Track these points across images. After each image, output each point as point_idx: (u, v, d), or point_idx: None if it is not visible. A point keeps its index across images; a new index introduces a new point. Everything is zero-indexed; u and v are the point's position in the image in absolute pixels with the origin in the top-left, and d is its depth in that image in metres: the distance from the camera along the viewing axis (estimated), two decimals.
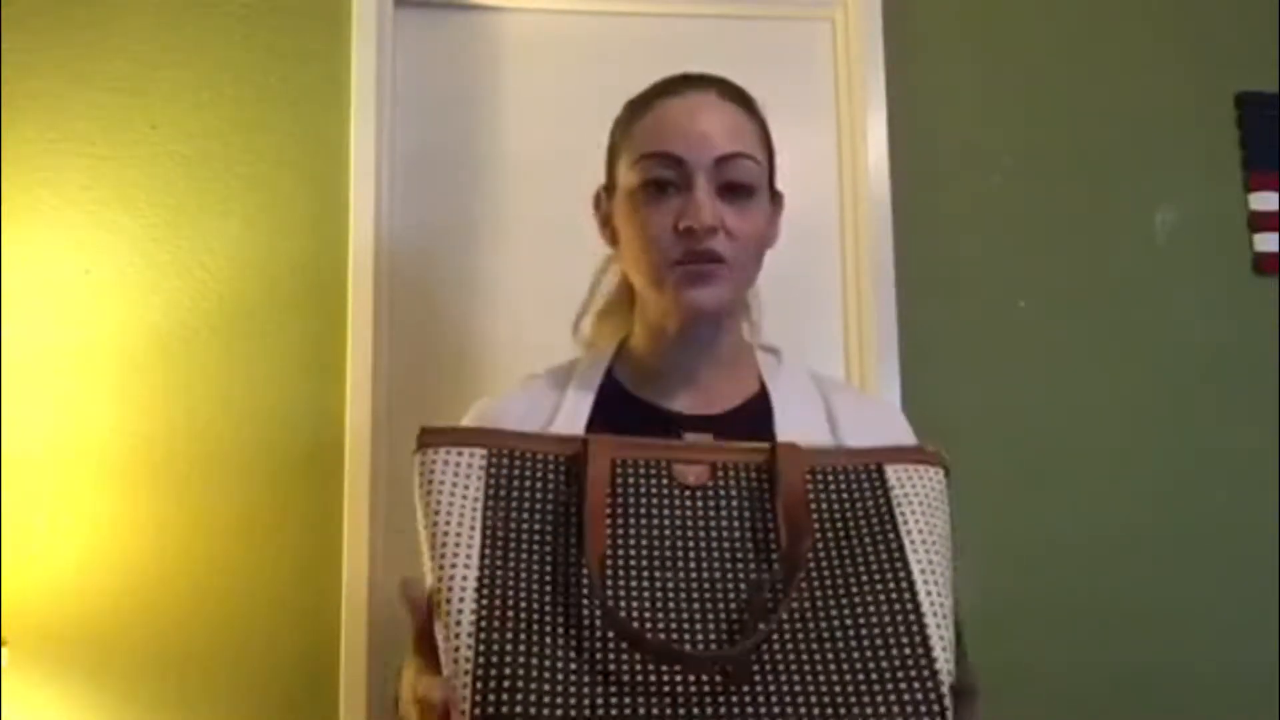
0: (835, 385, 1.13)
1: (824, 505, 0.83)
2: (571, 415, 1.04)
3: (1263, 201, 1.97)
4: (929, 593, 0.78)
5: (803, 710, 0.72)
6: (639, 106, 1.05)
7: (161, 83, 1.81)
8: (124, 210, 1.77)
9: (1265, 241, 1.96)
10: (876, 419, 1.10)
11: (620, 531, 0.80)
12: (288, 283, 1.78)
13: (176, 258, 1.77)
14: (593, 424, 1.03)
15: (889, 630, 0.76)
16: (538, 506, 0.82)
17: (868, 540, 0.81)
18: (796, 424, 1.01)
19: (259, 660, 1.69)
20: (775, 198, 1.10)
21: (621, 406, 1.05)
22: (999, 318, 1.92)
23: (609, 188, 1.08)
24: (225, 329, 1.76)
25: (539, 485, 0.83)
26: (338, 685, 1.68)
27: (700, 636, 0.76)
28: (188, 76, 1.81)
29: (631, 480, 0.83)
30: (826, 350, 1.89)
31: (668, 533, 0.81)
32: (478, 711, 0.72)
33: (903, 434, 1.06)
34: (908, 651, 0.75)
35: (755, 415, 1.04)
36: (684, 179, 0.99)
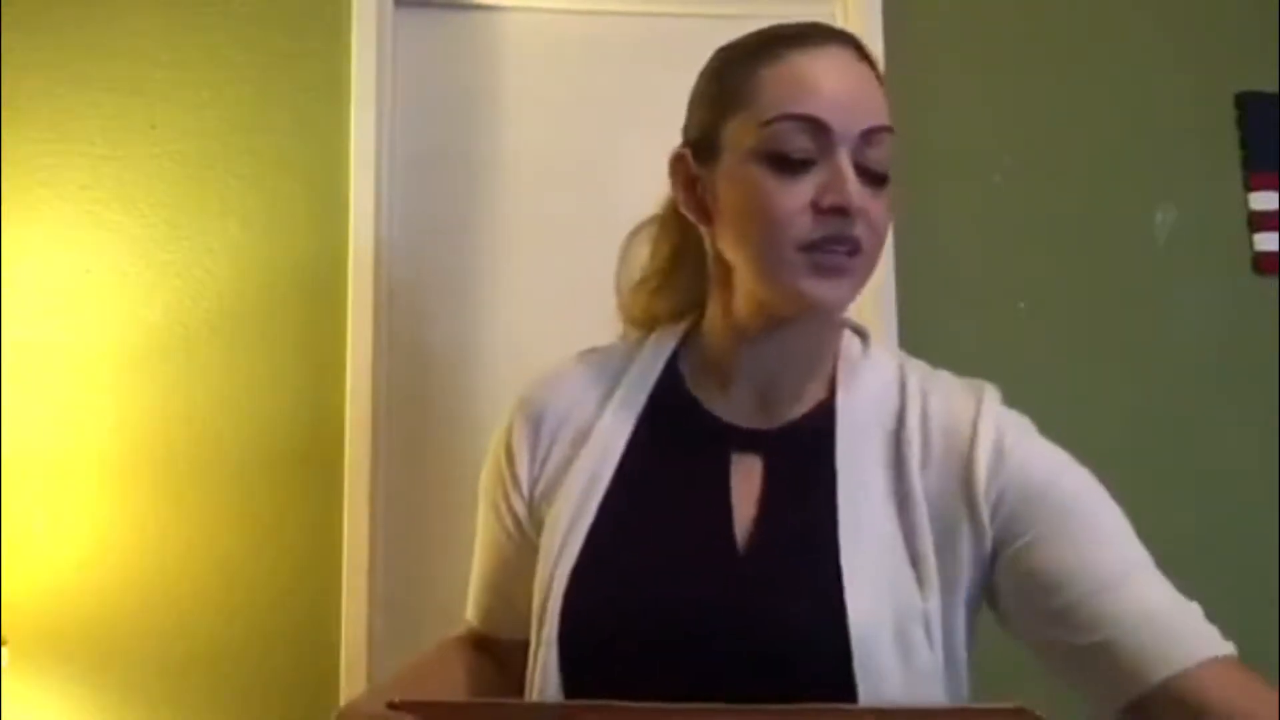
0: (919, 378, 0.95)
1: None
2: (621, 411, 0.94)
3: (1263, 201, 1.97)
4: None
5: None
6: (758, 54, 0.88)
7: (161, 83, 1.81)
8: (124, 210, 1.77)
9: (1265, 241, 1.96)
10: (954, 447, 0.88)
11: None
12: (288, 283, 1.78)
13: (176, 258, 1.77)
14: (644, 420, 0.93)
15: None
16: None
17: None
18: (857, 443, 0.88)
19: (259, 659, 1.69)
20: None
21: (674, 409, 0.94)
22: (999, 318, 1.92)
23: (701, 150, 0.89)
24: (225, 329, 1.76)
25: None
26: (337, 685, 1.68)
27: None
28: (188, 76, 1.81)
29: None
30: None
31: None
32: None
33: (990, 438, 0.88)
34: None
35: (815, 435, 0.90)
36: (824, 151, 0.82)
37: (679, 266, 0.99)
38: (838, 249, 0.83)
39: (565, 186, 1.88)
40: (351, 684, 1.68)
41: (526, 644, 0.91)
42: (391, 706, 0.74)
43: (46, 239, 1.75)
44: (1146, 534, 1.94)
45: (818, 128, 0.82)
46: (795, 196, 0.82)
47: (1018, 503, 0.85)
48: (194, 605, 1.69)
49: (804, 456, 0.88)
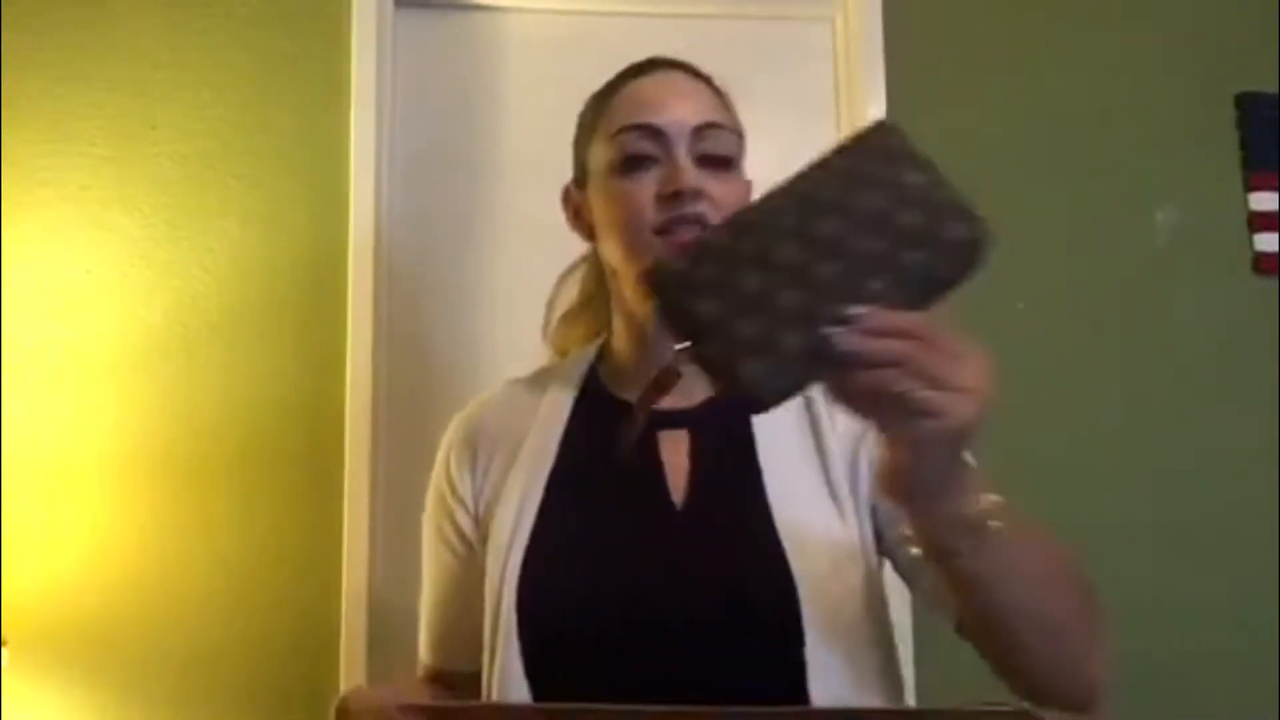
0: None
1: None
2: (551, 416, 1.03)
3: (1263, 201, 1.97)
4: None
5: None
6: (608, 91, 1.03)
7: (161, 83, 1.81)
8: (124, 210, 1.77)
9: (1265, 241, 1.96)
10: None
11: None
12: (288, 282, 1.78)
13: (176, 258, 1.77)
14: (573, 421, 1.02)
15: None
16: None
17: None
18: (770, 417, 0.98)
19: (258, 659, 1.69)
20: (746, 184, 1.06)
21: (601, 405, 1.03)
22: (999, 318, 1.92)
23: (579, 179, 1.06)
24: (225, 329, 1.76)
25: None
26: (337, 684, 1.68)
27: None
28: (188, 76, 1.81)
29: None
30: None
31: None
32: None
33: None
34: None
35: (730, 405, 1.01)
36: (664, 149, 0.96)
37: (596, 296, 1.12)
38: (686, 228, 0.94)
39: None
40: (351, 684, 1.67)
41: (479, 675, 0.97)
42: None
43: (46, 239, 1.75)
44: (1147, 532, 1.95)
45: (653, 132, 0.97)
46: (643, 191, 0.96)
47: None
48: (194, 605, 1.69)
49: (724, 424, 0.98)
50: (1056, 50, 2.00)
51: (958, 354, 0.68)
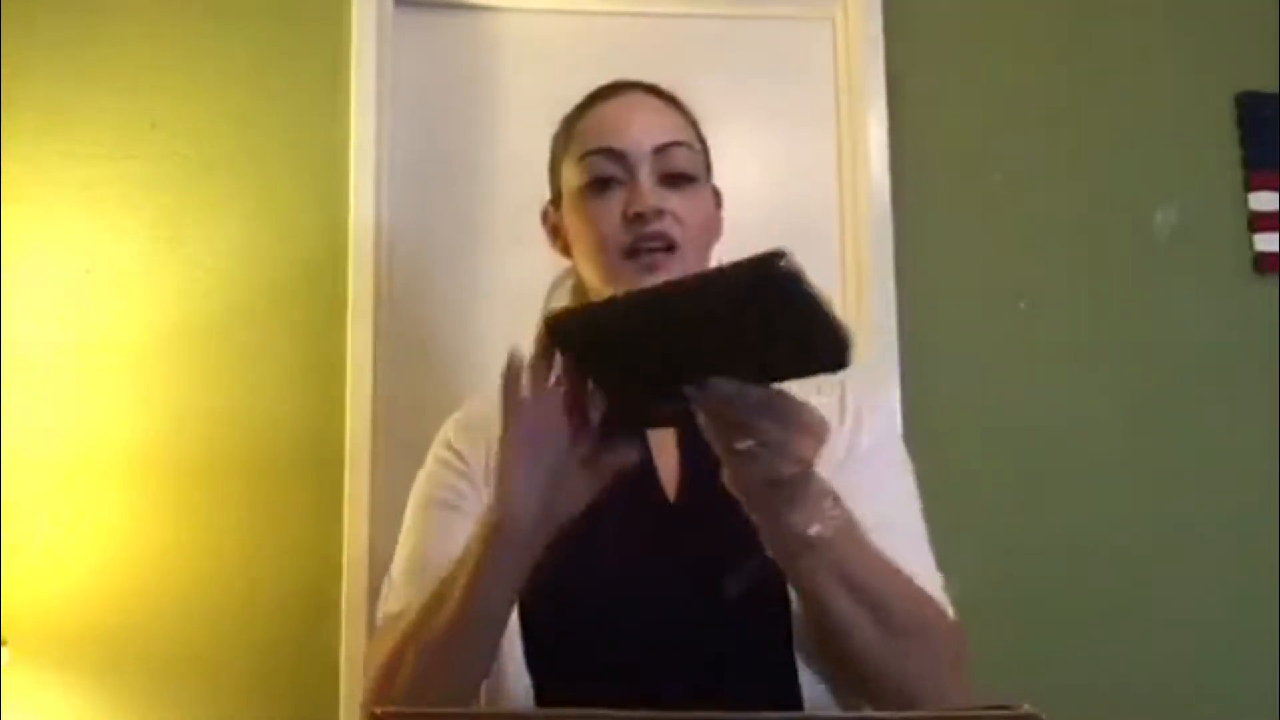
0: None
1: None
2: None
3: (1263, 201, 1.97)
4: None
5: None
6: (575, 115, 1.09)
7: (161, 83, 1.81)
8: (125, 210, 1.77)
9: (1265, 241, 1.96)
10: (825, 396, 1.05)
11: None
12: (288, 283, 1.78)
13: (176, 258, 1.77)
14: None
15: None
16: None
17: None
18: None
19: (259, 660, 1.69)
20: (715, 194, 1.11)
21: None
22: (999, 318, 1.92)
23: (555, 199, 1.11)
24: (225, 329, 1.76)
25: None
26: (338, 685, 1.68)
27: None
28: (188, 76, 1.81)
29: None
30: None
31: None
32: None
33: (854, 405, 1.05)
34: None
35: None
36: (627, 171, 1.01)
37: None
38: (652, 246, 0.99)
39: None
40: (351, 684, 1.68)
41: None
42: (373, 717, 0.76)
43: (47, 239, 1.75)
44: (1147, 532, 1.95)
45: (616, 155, 1.02)
46: (609, 212, 1.01)
47: (850, 450, 1.01)
48: (194, 605, 1.69)
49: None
50: (1057, 50, 2.00)
51: (794, 424, 0.73)
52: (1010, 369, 1.90)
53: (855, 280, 1.91)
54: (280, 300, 1.77)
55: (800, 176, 1.93)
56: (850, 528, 0.82)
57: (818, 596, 0.83)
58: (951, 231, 1.92)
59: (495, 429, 1.03)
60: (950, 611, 0.97)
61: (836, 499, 0.80)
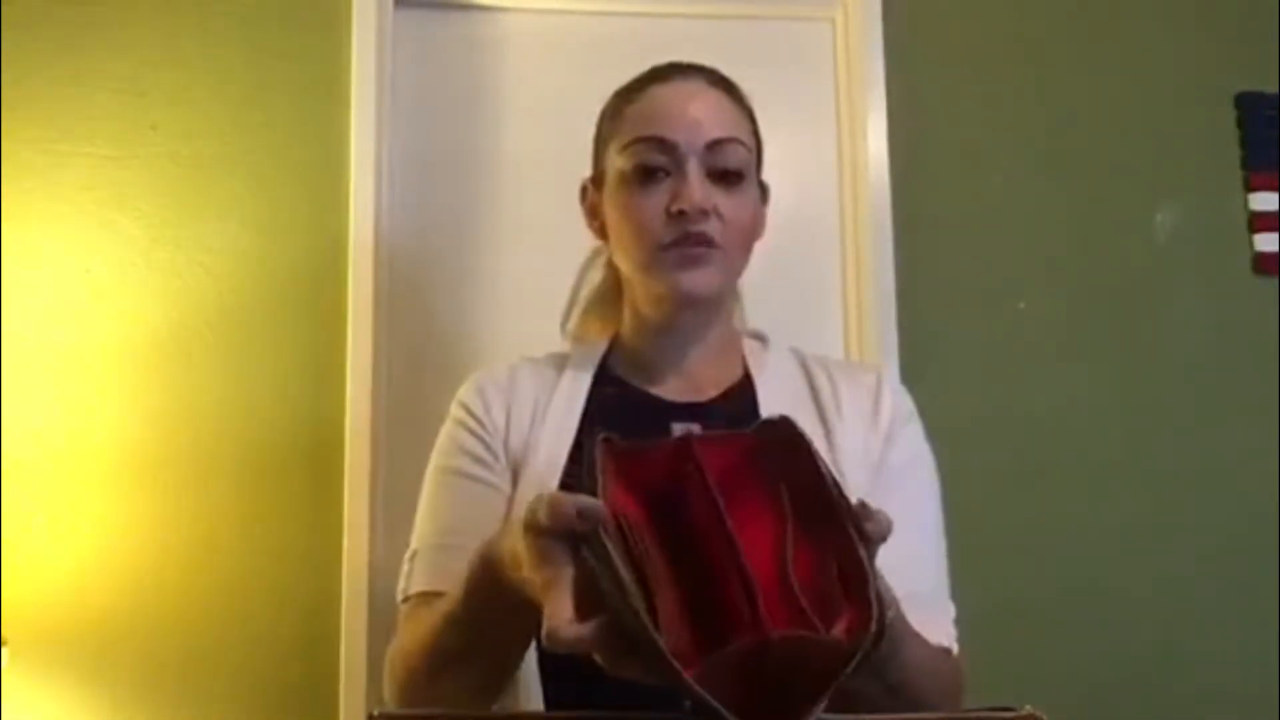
0: (820, 363, 1.11)
1: None
2: (569, 395, 1.05)
3: (1263, 201, 1.97)
4: None
5: None
6: (628, 94, 1.05)
7: (161, 83, 1.81)
8: (124, 210, 1.77)
9: (1265, 241, 1.96)
10: (859, 398, 1.06)
11: None
12: (288, 283, 1.78)
13: (176, 258, 1.77)
14: (590, 402, 1.04)
15: None
16: None
17: None
18: (779, 408, 0.98)
19: (259, 660, 1.69)
20: (763, 189, 1.09)
21: (613, 390, 1.06)
22: (999, 318, 1.92)
23: (596, 178, 1.07)
24: (225, 329, 1.76)
25: None
26: (337, 685, 1.68)
27: None
28: (188, 76, 1.81)
29: None
30: (826, 350, 1.88)
31: None
32: None
33: (889, 411, 1.05)
34: None
35: (740, 401, 1.04)
36: (675, 163, 0.99)
37: (611, 289, 1.14)
38: (693, 244, 0.97)
39: (565, 186, 1.86)
40: (351, 684, 1.68)
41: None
42: (372, 718, 0.75)
43: (46, 239, 1.75)
44: (1147, 532, 1.95)
45: (666, 145, 0.99)
46: (653, 204, 0.99)
47: (881, 465, 1.02)
48: (194, 605, 1.69)
49: (735, 417, 0.97)
50: (1056, 50, 2.00)
51: None
52: (1010, 369, 1.90)
53: (855, 280, 1.91)
54: (280, 300, 1.77)
55: (800, 176, 1.93)
56: (901, 622, 0.78)
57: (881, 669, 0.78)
58: (951, 231, 1.92)
59: (520, 392, 1.05)
60: (955, 648, 0.97)
61: (894, 601, 0.73)
